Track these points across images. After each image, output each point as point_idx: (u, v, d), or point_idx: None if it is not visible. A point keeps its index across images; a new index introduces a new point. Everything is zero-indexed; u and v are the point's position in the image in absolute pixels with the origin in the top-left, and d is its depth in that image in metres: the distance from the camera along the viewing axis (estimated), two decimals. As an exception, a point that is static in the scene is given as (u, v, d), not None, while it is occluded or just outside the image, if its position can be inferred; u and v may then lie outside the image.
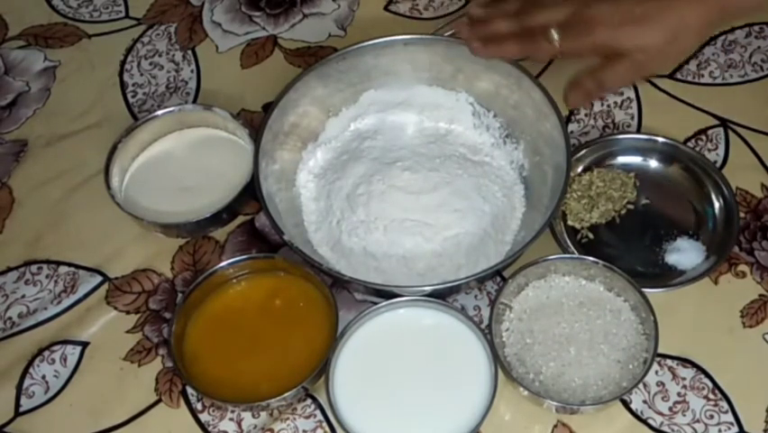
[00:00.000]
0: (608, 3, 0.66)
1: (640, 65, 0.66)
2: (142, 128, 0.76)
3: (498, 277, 0.71)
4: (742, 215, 0.72)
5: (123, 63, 0.87)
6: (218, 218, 0.73)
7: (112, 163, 0.74)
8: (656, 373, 0.66)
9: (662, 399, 0.65)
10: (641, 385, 0.65)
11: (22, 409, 0.67)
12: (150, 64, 0.86)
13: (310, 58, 0.85)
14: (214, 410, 0.66)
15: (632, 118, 0.79)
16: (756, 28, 0.84)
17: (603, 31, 0.65)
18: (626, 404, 0.65)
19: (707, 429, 0.64)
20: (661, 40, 0.65)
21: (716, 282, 0.70)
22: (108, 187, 0.73)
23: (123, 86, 0.85)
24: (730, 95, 0.80)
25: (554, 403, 0.62)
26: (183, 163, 0.77)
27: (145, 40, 0.88)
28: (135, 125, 0.76)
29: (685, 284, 0.68)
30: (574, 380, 0.63)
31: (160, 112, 0.77)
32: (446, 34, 0.77)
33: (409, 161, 0.73)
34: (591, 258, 0.67)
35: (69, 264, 0.73)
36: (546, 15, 0.68)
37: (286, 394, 0.62)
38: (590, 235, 0.72)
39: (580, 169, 0.75)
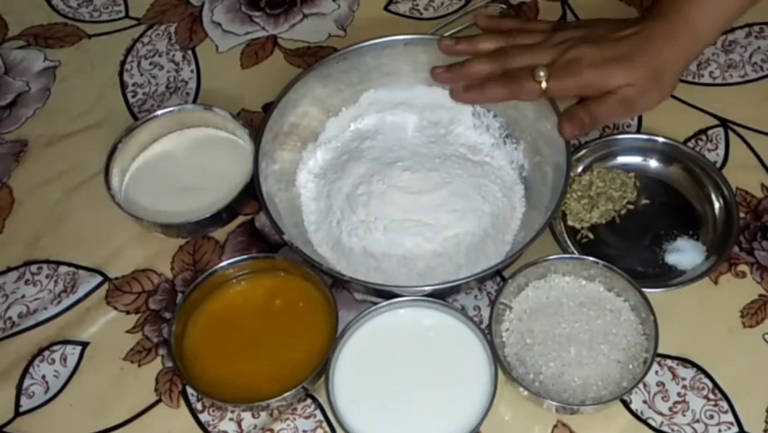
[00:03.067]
0: (590, 44, 0.69)
1: (628, 101, 0.69)
2: (142, 128, 0.76)
3: (498, 277, 0.71)
4: (742, 215, 0.72)
5: (123, 63, 0.86)
6: (218, 218, 0.73)
7: (112, 163, 0.74)
8: (656, 373, 0.66)
9: (662, 399, 0.65)
10: (641, 385, 0.65)
11: (22, 409, 0.67)
12: (150, 64, 0.86)
13: (310, 58, 0.85)
14: (214, 410, 0.66)
15: (632, 118, 0.79)
16: (756, 28, 0.84)
17: (590, 70, 0.68)
18: (626, 404, 0.65)
19: (707, 429, 0.64)
20: (644, 76, 0.68)
21: (716, 282, 0.70)
22: (108, 187, 0.73)
23: (123, 86, 0.85)
24: (730, 95, 0.80)
25: (554, 403, 0.62)
26: (183, 163, 0.77)
27: (145, 40, 0.88)
28: (135, 125, 0.76)
29: (685, 284, 0.68)
30: (574, 380, 0.63)
31: (159, 112, 0.77)
32: (446, 34, 0.77)
33: (409, 161, 0.73)
34: (591, 258, 0.67)
35: (69, 264, 0.73)
36: (531, 57, 0.71)
37: (286, 394, 0.62)
38: (590, 235, 0.72)
39: (580, 169, 0.75)
